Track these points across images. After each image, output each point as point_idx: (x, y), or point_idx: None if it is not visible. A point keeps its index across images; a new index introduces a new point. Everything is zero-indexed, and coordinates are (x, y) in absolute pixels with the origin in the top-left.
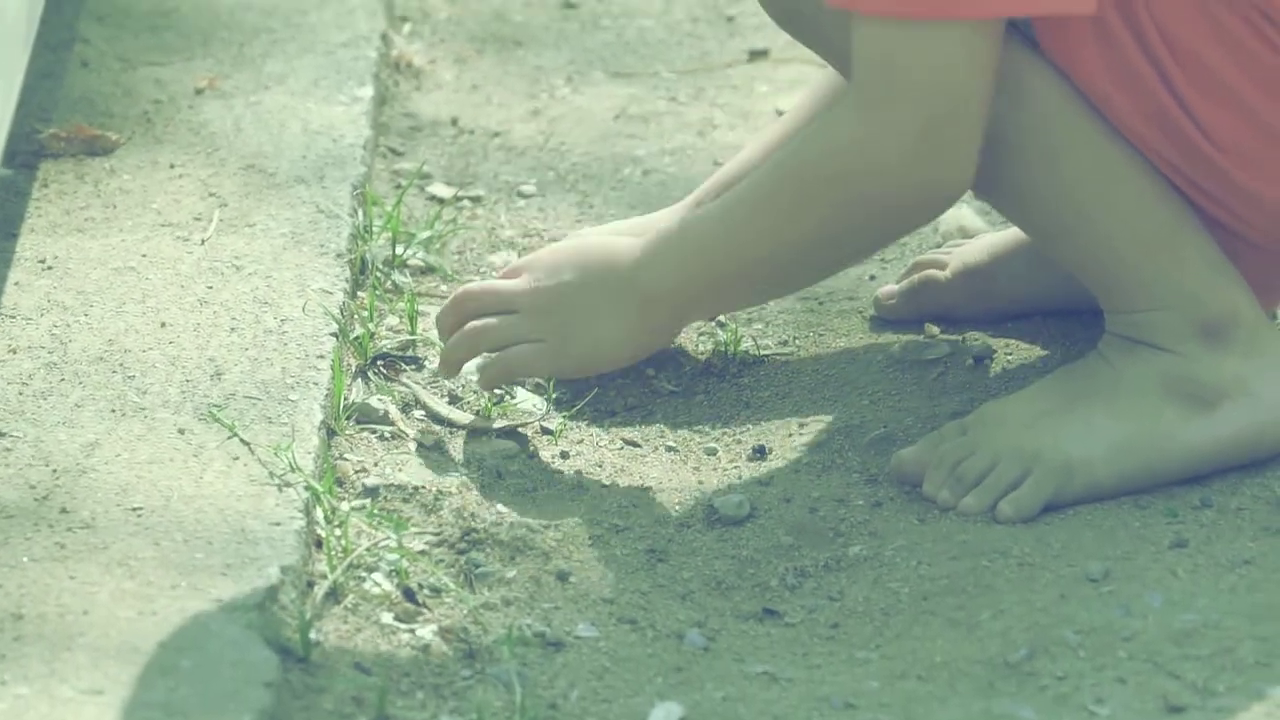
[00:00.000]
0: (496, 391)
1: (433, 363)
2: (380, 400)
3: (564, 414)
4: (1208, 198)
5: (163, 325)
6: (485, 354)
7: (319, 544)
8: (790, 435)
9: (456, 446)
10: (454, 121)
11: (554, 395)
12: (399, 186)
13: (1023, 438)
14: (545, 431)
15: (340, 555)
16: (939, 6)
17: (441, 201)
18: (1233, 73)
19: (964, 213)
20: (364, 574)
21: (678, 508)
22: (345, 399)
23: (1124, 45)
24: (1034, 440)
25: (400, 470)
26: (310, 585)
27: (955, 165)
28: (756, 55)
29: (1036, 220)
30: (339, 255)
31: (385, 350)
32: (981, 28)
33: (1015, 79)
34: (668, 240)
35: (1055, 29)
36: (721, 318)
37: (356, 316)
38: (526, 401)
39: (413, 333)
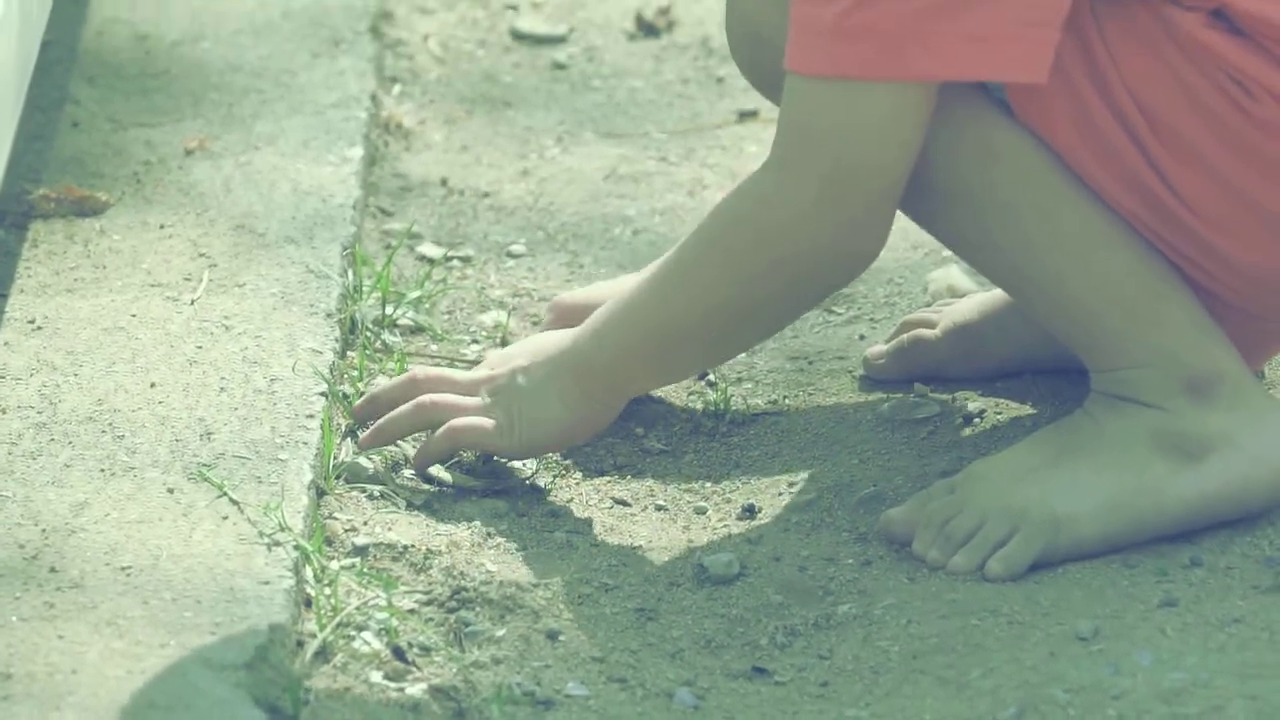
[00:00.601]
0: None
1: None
2: (370, 460)
3: (553, 473)
4: (1185, 260)
5: (152, 385)
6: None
7: (308, 603)
8: (780, 494)
9: (446, 505)
10: (444, 182)
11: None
12: (389, 246)
13: (1010, 495)
14: (535, 490)
15: (330, 614)
16: (862, 68)
17: (431, 261)
18: (1207, 139)
19: (952, 273)
20: (353, 633)
21: (667, 566)
22: (335, 458)
23: (1097, 111)
24: (1021, 497)
25: (390, 529)
26: (300, 644)
27: (861, 228)
28: (746, 116)
29: (1018, 281)
30: (329, 315)
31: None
32: (905, 91)
33: (990, 140)
34: (604, 314)
35: (1027, 95)
36: (711, 376)
37: (346, 376)
38: (516, 461)
39: None
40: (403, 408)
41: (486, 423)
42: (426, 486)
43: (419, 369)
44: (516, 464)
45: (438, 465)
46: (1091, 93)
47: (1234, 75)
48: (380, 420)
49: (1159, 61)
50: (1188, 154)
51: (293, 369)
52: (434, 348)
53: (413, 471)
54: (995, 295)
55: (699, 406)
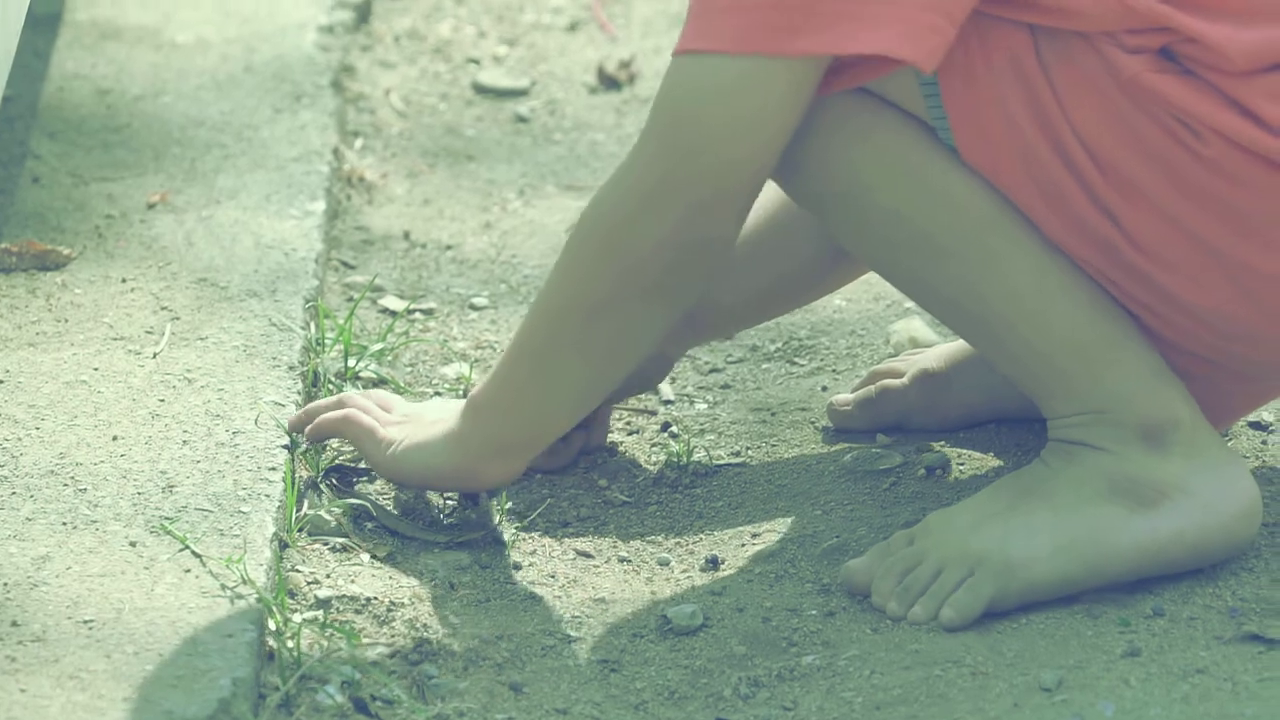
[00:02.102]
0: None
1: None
2: (332, 512)
3: (517, 525)
4: (1141, 306)
5: (114, 438)
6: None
7: (271, 656)
8: (743, 545)
9: (409, 558)
10: (406, 235)
11: (506, 506)
12: (351, 299)
13: (966, 542)
14: (498, 542)
15: (292, 667)
16: (734, 42)
17: (394, 314)
18: (1155, 181)
19: (915, 324)
20: (316, 685)
21: (631, 618)
22: (297, 511)
23: (1045, 156)
24: (976, 544)
25: (352, 582)
26: (262, 697)
27: (708, 212)
28: None
29: (972, 327)
30: (291, 368)
31: (337, 462)
32: (762, 68)
33: (942, 183)
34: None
35: (973, 139)
36: (674, 428)
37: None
38: (477, 512)
39: None
40: (332, 412)
41: (376, 430)
42: (389, 539)
43: (357, 392)
44: (490, 509)
45: (402, 519)
46: (1039, 137)
47: (1179, 116)
48: (311, 415)
49: (1105, 104)
50: (1137, 197)
51: (255, 422)
52: None
53: (375, 524)
54: (961, 344)
55: (662, 458)
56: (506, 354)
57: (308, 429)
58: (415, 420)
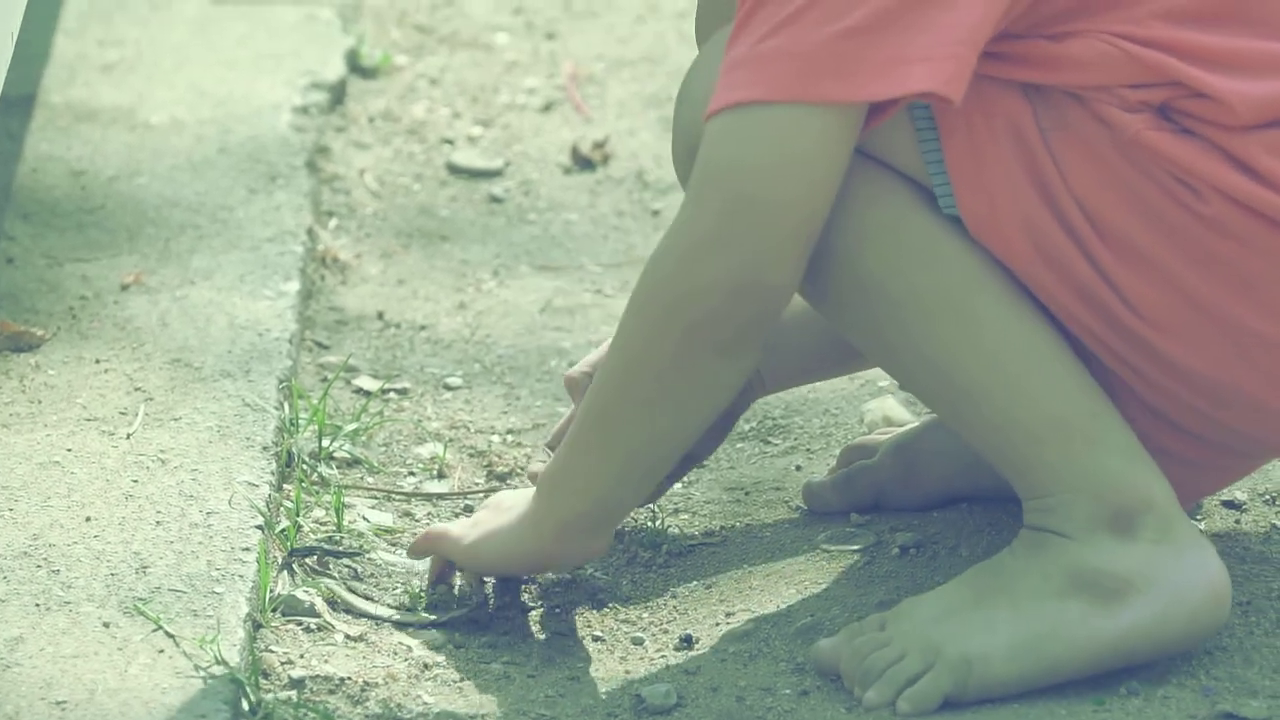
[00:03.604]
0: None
1: (360, 554)
2: (306, 592)
3: (491, 604)
4: (1133, 372)
5: (88, 519)
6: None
7: None
8: (717, 624)
9: (383, 638)
10: (380, 315)
11: (482, 585)
12: (325, 379)
13: (929, 632)
14: (472, 622)
15: None
16: (769, 90)
17: (368, 394)
18: (1153, 242)
19: (889, 403)
20: None
21: (605, 698)
22: (271, 591)
23: (1045, 223)
24: (938, 635)
25: (326, 662)
26: None
27: (766, 262)
28: None
29: (946, 393)
30: (265, 448)
31: (311, 543)
32: (809, 118)
33: (924, 246)
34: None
35: (977, 203)
36: (649, 507)
37: (283, 509)
38: (453, 592)
39: (339, 525)
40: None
41: (452, 528)
42: (363, 619)
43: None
44: (460, 590)
45: (370, 603)
46: (1038, 203)
47: (1179, 175)
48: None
49: (1103, 168)
50: (1137, 260)
51: (229, 502)
52: (370, 480)
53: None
54: (933, 421)
55: (636, 537)
56: (574, 428)
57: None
58: (493, 508)
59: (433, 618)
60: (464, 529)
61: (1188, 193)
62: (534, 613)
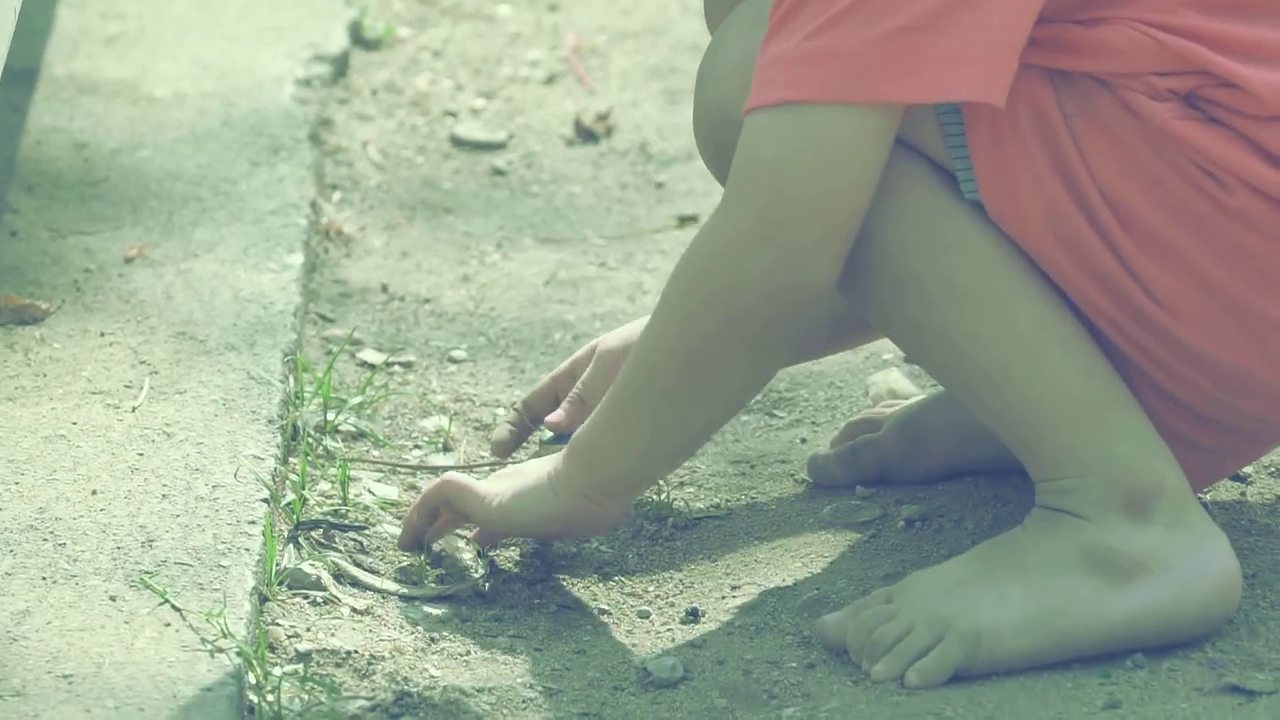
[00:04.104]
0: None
1: (365, 528)
2: (312, 566)
3: (497, 578)
4: (1146, 355)
5: (94, 493)
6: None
7: (251, 710)
8: (723, 598)
9: (390, 611)
10: (384, 288)
11: (489, 558)
12: (330, 353)
13: (938, 605)
14: (479, 595)
15: None
16: (820, 90)
17: (372, 367)
18: (1178, 232)
19: (893, 376)
20: None
21: (611, 670)
22: (277, 565)
23: (1067, 209)
24: (948, 608)
25: (333, 635)
26: None
27: (805, 260)
28: (685, 220)
29: (964, 376)
30: (270, 421)
31: (317, 516)
32: (858, 118)
33: (945, 227)
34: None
35: (998, 189)
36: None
37: (288, 482)
38: (459, 564)
39: (344, 498)
40: (430, 484)
41: (477, 485)
42: (370, 592)
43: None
44: (466, 562)
45: (377, 576)
46: (1061, 191)
47: (1205, 166)
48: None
49: (1127, 155)
50: (1159, 249)
51: (234, 475)
52: (376, 453)
53: (354, 578)
54: (938, 394)
55: (642, 511)
56: (607, 398)
57: (411, 512)
58: (513, 474)
59: (439, 590)
60: (488, 487)
61: (1212, 183)
62: (540, 586)
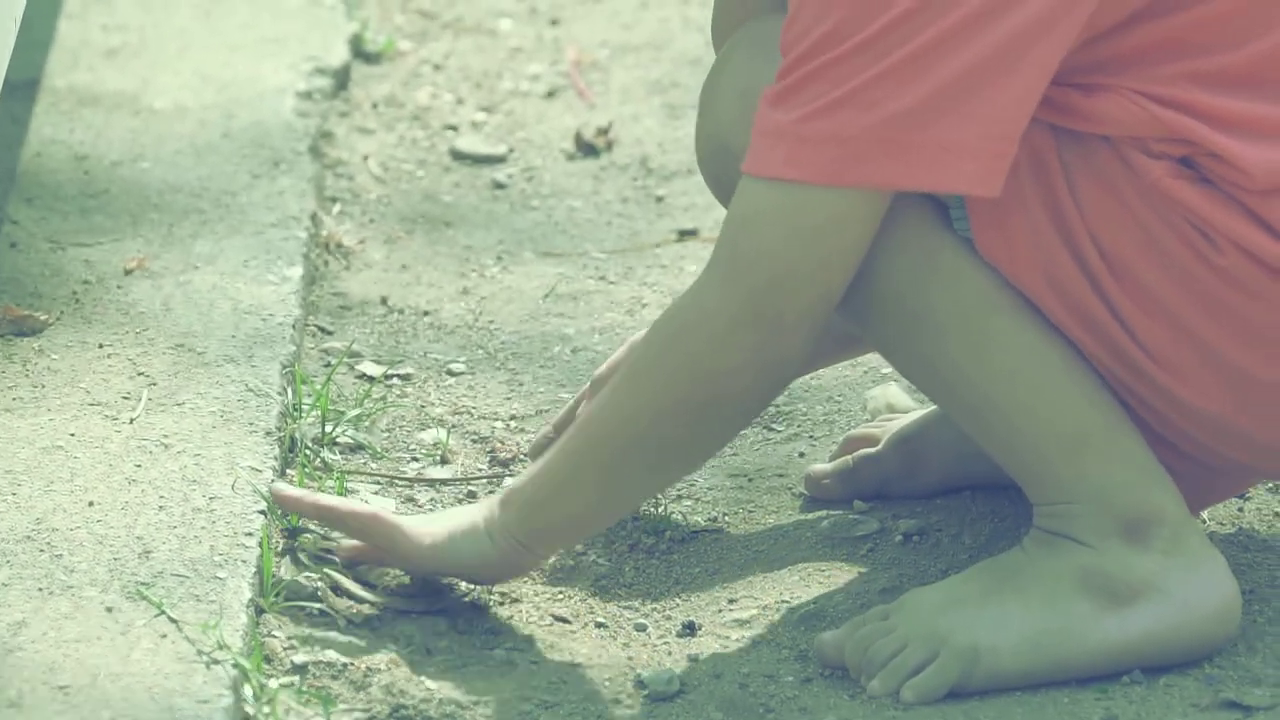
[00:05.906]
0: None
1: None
2: (309, 578)
3: (494, 591)
4: (1136, 399)
5: (91, 504)
6: None
7: None
8: (720, 611)
9: (386, 623)
10: (383, 300)
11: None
12: (328, 365)
13: (935, 622)
14: (475, 608)
15: None
16: (820, 173)
17: (371, 380)
18: (1167, 287)
19: (891, 390)
20: None
21: (608, 684)
22: (274, 576)
23: (1058, 255)
24: (946, 625)
25: (329, 647)
26: None
27: (787, 334)
28: (685, 235)
29: (961, 404)
30: (268, 433)
31: (314, 528)
32: (855, 200)
33: (946, 261)
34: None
35: (990, 231)
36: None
37: None
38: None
39: None
40: (358, 509)
41: (405, 523)
42: (366, 605)
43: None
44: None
45: (365, 588)
46: (1054, 236)
47: (1197, 225)
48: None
49: (1122, 209)
50: (1148, 301)
51: (232, 487)
52: (373, 465)
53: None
54: (937, 409)
55: (639, 524)
56: (557, 450)
57: (341, 544)
58: (440, 516)
59: (436, 604)
60: (417, 526)
61: (1203, 241)
62: (537, 599)
